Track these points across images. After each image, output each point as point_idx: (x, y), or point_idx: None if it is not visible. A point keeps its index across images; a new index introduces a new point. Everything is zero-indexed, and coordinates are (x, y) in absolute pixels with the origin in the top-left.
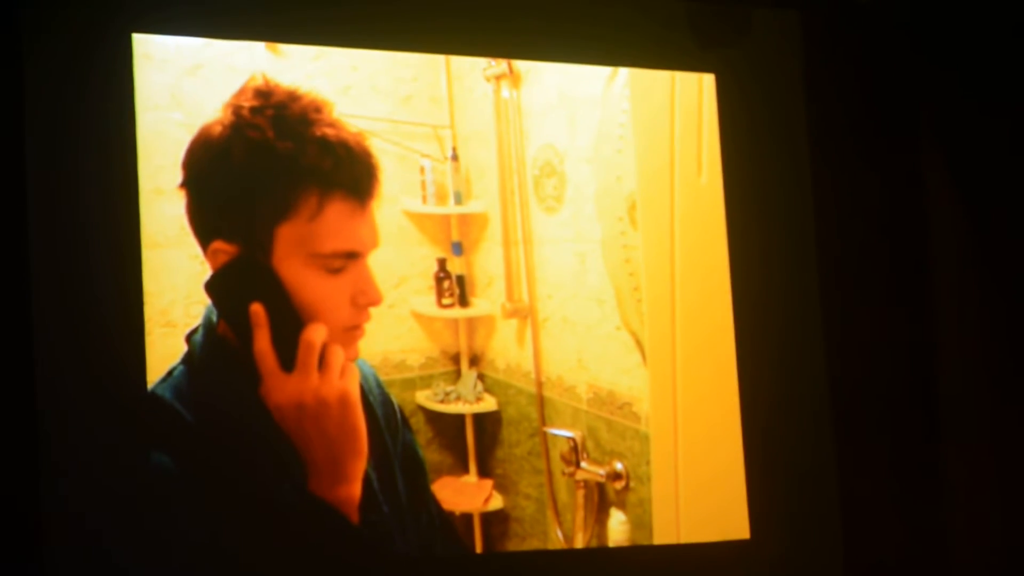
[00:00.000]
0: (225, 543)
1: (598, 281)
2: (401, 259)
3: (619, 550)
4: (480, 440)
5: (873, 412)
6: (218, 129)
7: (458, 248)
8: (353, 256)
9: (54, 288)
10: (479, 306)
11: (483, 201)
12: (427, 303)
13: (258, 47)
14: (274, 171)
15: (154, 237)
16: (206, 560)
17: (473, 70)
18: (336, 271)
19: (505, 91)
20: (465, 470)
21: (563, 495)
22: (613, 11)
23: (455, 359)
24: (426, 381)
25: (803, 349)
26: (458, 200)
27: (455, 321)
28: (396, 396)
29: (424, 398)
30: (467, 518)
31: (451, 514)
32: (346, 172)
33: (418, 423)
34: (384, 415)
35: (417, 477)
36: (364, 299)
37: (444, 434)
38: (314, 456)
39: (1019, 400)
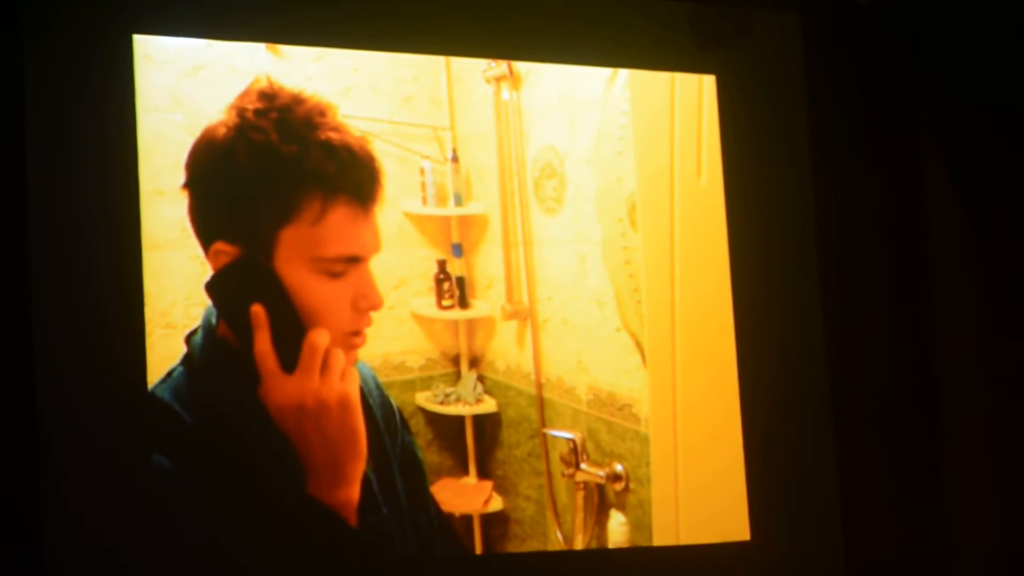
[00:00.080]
0: (224, 545)
1: (598, 282)
2: (401, 260)
3: (619, 551)
4: (480, 441)
5: (873, 412)
6: (222, 131)
7: (458, 250)
8: (355, 260)
9: (54, 289)
10: (479, 308)
11: (483, 202)
12: (427, 305)
13: (259, 48)
14: (278, 174)
15: (154, 238)
16: (206, 561)
17: (473, 72)
18: (337, 275)
19: (505, 92)
20: (465, 471)
21: (563, 496)
22: (614, 12)
23: (455, 361)
24: (426, 383)
25: (803, 349)
26: (458, 201)
27: (455, 323)
28: (396, 397)
29: (424, 399)
30: (467, 519)
31: (451, 515)
32: (350, 177)
33: (418, 424)
34: (383, 417)
35: (416, 479)
36: (365, 303)
37: (444, 436)
38: (313, 458)
39: (1019, 400)
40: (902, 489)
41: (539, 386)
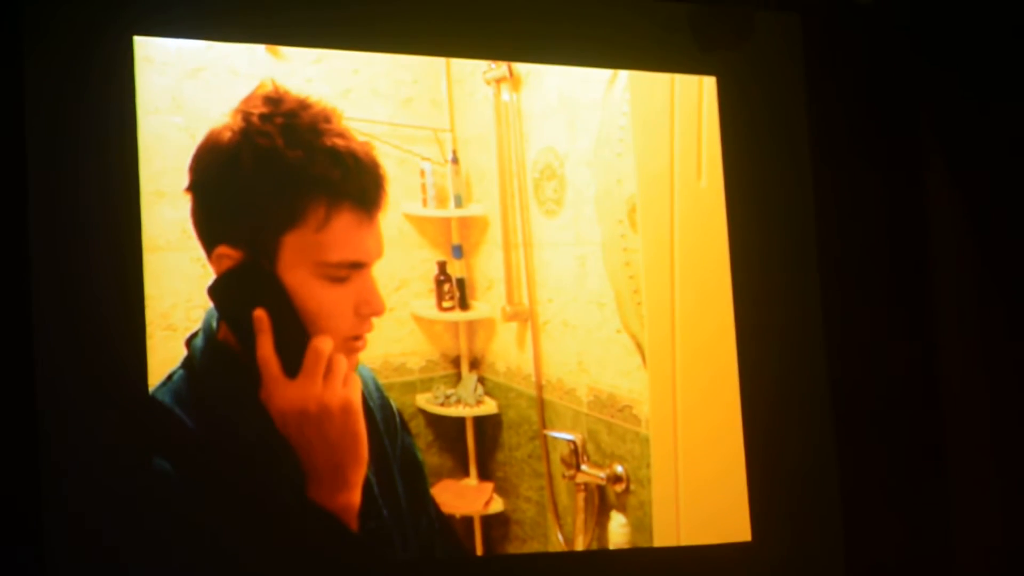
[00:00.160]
0: (224, 548)
1: (598, 284)
2: (401, 262)
3: (620, 552)
4: (480, 443)
5: (873, 412)
6: (227, 135)
7: (458, 251)
8: (358, 266)
9: (55, 290)
10: (479, 309)
11: (483, 204)
12: (427, 306)
13: (259, 50)
14: (283, 179)
15: (155, 240)
16: (206, 563)
17: (473, 73)
18: (341, 280)
19: (505, 94)
20: (465, 473)
21: (563, 498)
22: (614, 14)
23: (455, 362)
24: (426, 384)
25: (804, 350)
26: (458, 203)
27: (455, 324)
28: (396, 399)
29: (424, 401)
30: (467, 521)
31: (451, 517)
32: (354, 183)
33: (418, 426)
34: (383, 419)
35: (416, 481)
36: (367, 309)
37: (444, 437)
38: (315, 463)
39: (1019, 400)
40: (902, 489)
41: (539, 388)
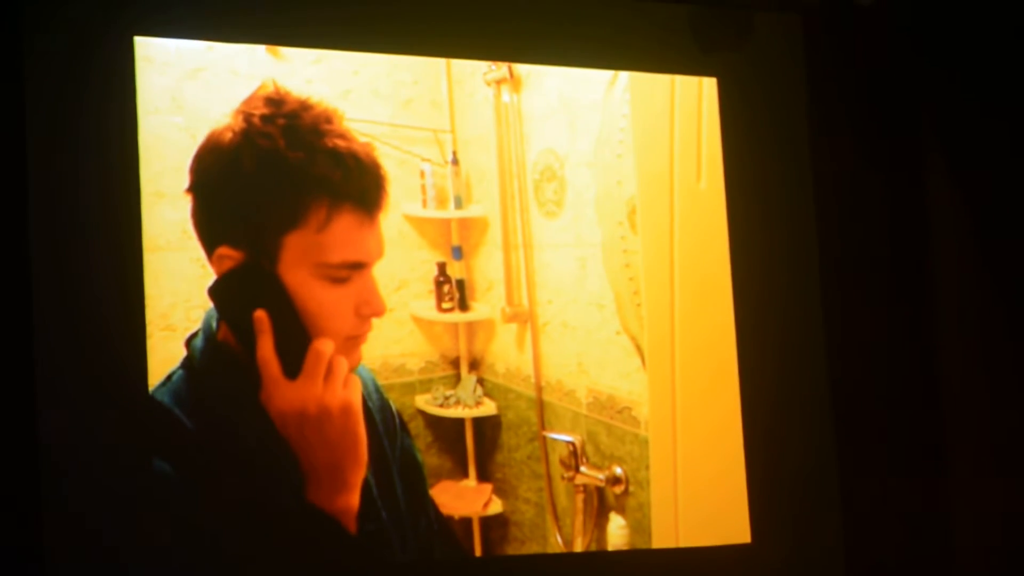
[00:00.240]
0: (222, 549)
1: (598, 285)
2: (401, 263)
3: (618, 554)
4: (480, 444)
5: (873, 412)
6: (228, 136)
7: (458, 252)
8: (359, 267)
9: (55, 290)
10: (479, 310)
11: (483, 205)
12: (427, 307)
13: (259, 51)
14: (284, 180)
15: (155, 240)
16: (205, 563)
17: (474, 74)
18: (341, 281)
19: (505, 95)
20: (464, 474)
21: (562, 499)
22: (614, 15)
23: (455, 363)
24: (426, 385)
25: (804, 350)
26: (458, 204)
27: (455, 325)
28: (396, 400)
29: (424, 402)
30: (466, 522)
31: (450, 518)
32: (355, 184)
33: (417, 427)
34: (383, 420)
35: (416, 482)
36: (368, 309)
37: (443, 438)
38: (314, 464)
39: (1019, 400)
40: (902, 489)
41: (539, 389)
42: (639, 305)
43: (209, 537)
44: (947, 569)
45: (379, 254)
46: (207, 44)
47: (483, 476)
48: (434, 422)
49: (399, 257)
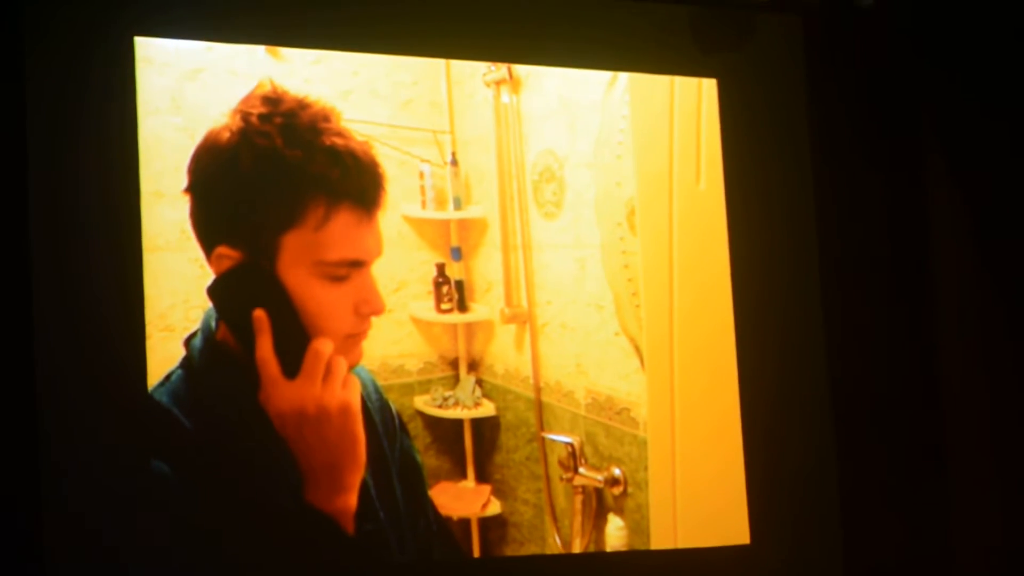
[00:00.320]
0: (221, 549)
1: (597, 287)
2: (400, 264)
3: (617, 555)
4: (478, 445)
5: (873, 412)
6: (226, 135)
7: (457, 253)
8: (357, 265)
9: (54, 290)
10: (478, 311)
11: (482, 206)
12: (426, 308)
13: (258, 51)
14: (282, 179)
15: (154, 240)
16: (204, 563)
17: (473, 75)
18: (340, 279)
19: (505, 96)
20: (463, 475)
21: (561, 500)
22: (615, 16)
23: (454, 364)
24: (424, 386)
25: (804, 351)
26: (457, 205)
27: (454, 326)
28: (394, 401)
29: (422, 403)
30: (465, 523)
31: (449, 519)
32: (354, 182)
33: (416, 428)
34: (382, 421)
35: (415, 483)
36: (367, 308)
37: (442, 439)
38: (312, 464)
39: (1019, 400)
40: (902, 489)
41: (537, 390)
42: (638, 306)
43: (207, 537)
44: (947, 569)
45: (378, 252)
46: (206, 45)
47: (482, 477)
48: (433, 423)
49: (398, 258)
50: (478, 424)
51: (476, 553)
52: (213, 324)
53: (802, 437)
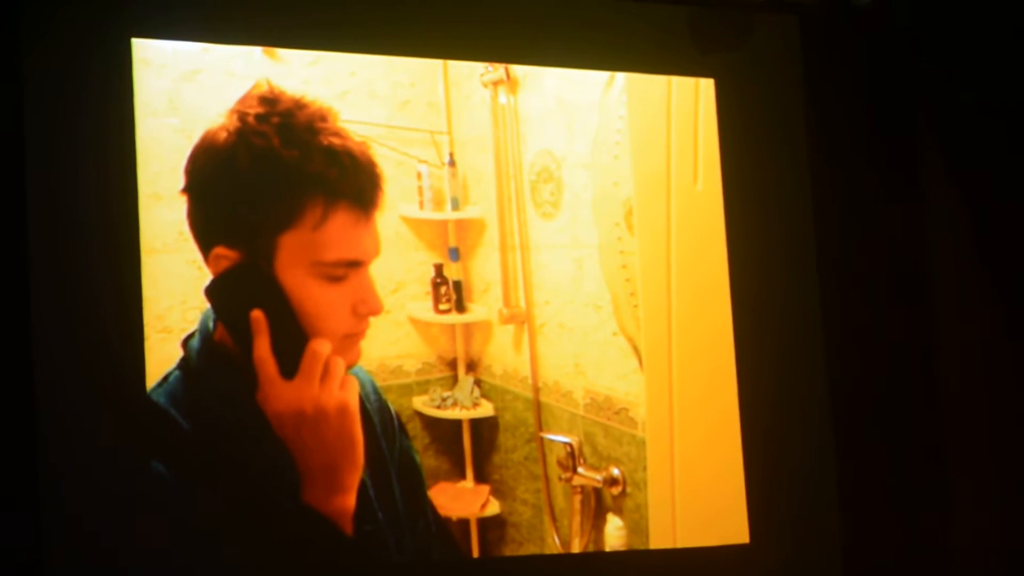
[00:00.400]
0: (220, 550)
1: (595, 287)
2: (398, 264)
3: (616, 555)
4: (477, 445)
5: (873, 412)
6: (223, 135)
7: (455, 253)
8: (355, 265)
9: (53, 291)
10: (476, 311)
11: (480, 207)
12: (424, 308)
13: (256, 53)
14: (279, 179)
15: (151, 242)
16: (203, 564)
17: (471, 76)
18: (338, 279)
19: (502, 97)
20: (462, 476)
21: (560, 500)
22: (613, 16)
23: (452, 364)
24: (423, 386)
25: (803, 350)
26: (455, 206)
27: (452, 326)
28: (393, 402)
29: (421, 403)
30: (464, 524)
31: (448, 520)
32: (351, 182)
33: (415, 429)
34: (381, 421)
35: (414, 483)
36: (365, 308)
37: (441, 439)
38: (310, 465)
39: (1019, 400)
40: (902, 489)
41: (536, 390)
42: (636, 306)
43: (206, 538)
44: (946, 569)
45: (375, 252)
46: (203, 46)
47: (480, 477)
48: (431, 423)
49: (396, 258)
50: (477, 424)
51: (475, 553)
52: (211, 325)
53: (801, 437)
